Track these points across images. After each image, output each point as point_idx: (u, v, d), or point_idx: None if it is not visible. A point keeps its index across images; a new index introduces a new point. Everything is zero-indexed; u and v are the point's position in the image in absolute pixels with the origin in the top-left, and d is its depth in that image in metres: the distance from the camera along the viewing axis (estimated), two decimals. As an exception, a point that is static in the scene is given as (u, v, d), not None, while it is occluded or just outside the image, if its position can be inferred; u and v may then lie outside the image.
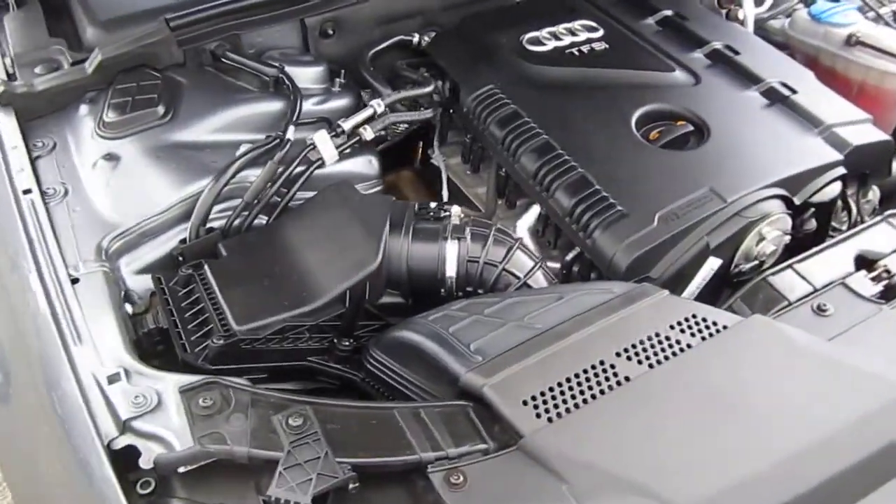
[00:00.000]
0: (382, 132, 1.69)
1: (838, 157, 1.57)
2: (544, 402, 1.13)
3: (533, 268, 1.37)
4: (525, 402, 1.12)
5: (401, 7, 1.91)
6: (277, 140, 1.52)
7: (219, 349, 1.22)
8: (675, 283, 1.43)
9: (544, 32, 1.81)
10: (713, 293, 1.49)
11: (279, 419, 1.09)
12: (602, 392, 1.15)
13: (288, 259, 1.37)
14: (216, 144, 1.55)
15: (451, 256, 1.36)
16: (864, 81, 2.02)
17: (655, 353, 1.20)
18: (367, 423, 1.12)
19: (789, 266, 1.41)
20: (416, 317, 1.29)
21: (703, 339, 1.22)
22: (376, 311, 1.35)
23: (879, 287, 1.39)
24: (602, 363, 1.18)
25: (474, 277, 1.37)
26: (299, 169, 1.51)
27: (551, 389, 1.14)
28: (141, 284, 1.38)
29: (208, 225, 1.44)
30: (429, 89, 1.72)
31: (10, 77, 1.65)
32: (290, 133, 1.50)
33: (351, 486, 1.01)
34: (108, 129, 1.54)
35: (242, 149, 1.51)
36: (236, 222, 1.46)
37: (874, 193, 1.81)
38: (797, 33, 2.10)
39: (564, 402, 1.13)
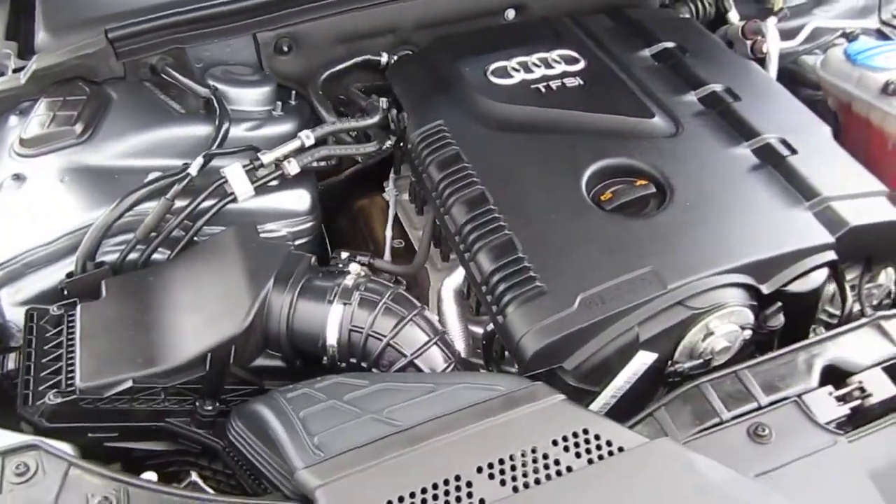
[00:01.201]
0: (322, 163, 1.55)
1: (828, 239, 1.31)
2: (378, 520, 0.97)
3: (423, 346, 1.20)
4: (354, 516, 0.97)
5: (366, 24, 1.75)
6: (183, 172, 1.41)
7: (54, 408, 1.12)
8: (597, 376, 1.23)
9: (514, 62, 1.61)
10: (651, 390, 1.28)
11: (88, 496, 0.99)
12: (451, 513, 0.98)
13: (162, 307, 1.26)
14: (130, 170, 1.45)
15: (333, 322, 1.21)
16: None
17: (525, 475, 1.01)
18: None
19: (734, 372, 1.18)
20: (279, 389, 1.16)
21: (590, 461, 1.03)
22: (246, 375, 1.22)
23: (845, 409, 1.14)
24: (458, 479, 1.00)
25: (357, 348, 1.22)
26: (209, 203, 1.40)
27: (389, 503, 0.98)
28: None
29: (104, 258, 1.35)
30: (373, 120, 1.56)
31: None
32: (195, 166, 1.38)
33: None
34: (24, 145, 1.47)
35: (150, 177, 1.41)
36: (132, 257, 1.37)
37: (889, 277, 1.53)
38: (829, 75, 1.80)
39: (403, 520, 0.97)
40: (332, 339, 1.22)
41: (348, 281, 1.25)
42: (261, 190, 1.47)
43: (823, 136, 1.52)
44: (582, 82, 1.57)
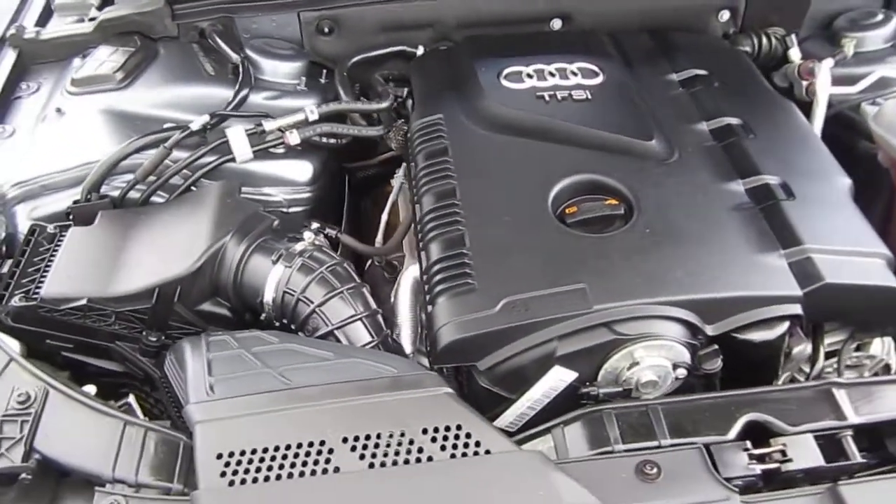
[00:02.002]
0: (329, 140, 1.63)
1: (795, 291, 1.22)
2: (238, 463, 1.03)
3: (346, 319, 1.25)
4: (220, 456, 1.03)
5: (409, 15, 1.81)
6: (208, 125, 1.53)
7: (17, 309, 1.26)
8: (513, 383, 1.22)
9: (531, 69, 1.61)
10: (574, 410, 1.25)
11: (14, 387, 1.13)
12: (302, 474, 1.02)
13: (138, 242, 1.38)
14: (155, 119, 1.59)
15: (272, 281, 1.29)
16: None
17: (386, 454, 1.03)
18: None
19: (646, 405, 1.14)
20: (208, 332, 1.24)
21: (452, 456, 1.03)
22: (191, 316, 1.32)
23: (757, 469, 1.08)
24: (323, 444, 1.04)
25: (288, 310, 1.28)
26: (209, 159, 1.52)
27: (254, 452, 1.04)
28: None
29: (112, 193, 1.50)
30: (380, 105, 1.62)
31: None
32: (198, 121, 1.50)
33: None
34: (74, 84, 1.65)
35: (164, 127, 1.54)
36: (134, 196, 1.50)
37: (882, 348, 1.40)
38: (880, 127, 1.65)
39: (258, 470, 1.02)
40: (268, 296, 1.29)
41: (298, 246, 1.32)
42: (266, 156, 1.57)
43: (838, 187, 1.41)
44: (590, 97, 1.55)
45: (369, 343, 1.25)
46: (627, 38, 1.76)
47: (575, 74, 1.61)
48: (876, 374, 1.46)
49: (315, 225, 1.47)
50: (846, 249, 1.28)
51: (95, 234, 1.41)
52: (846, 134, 1.78)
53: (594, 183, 1.38)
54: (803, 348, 1.34)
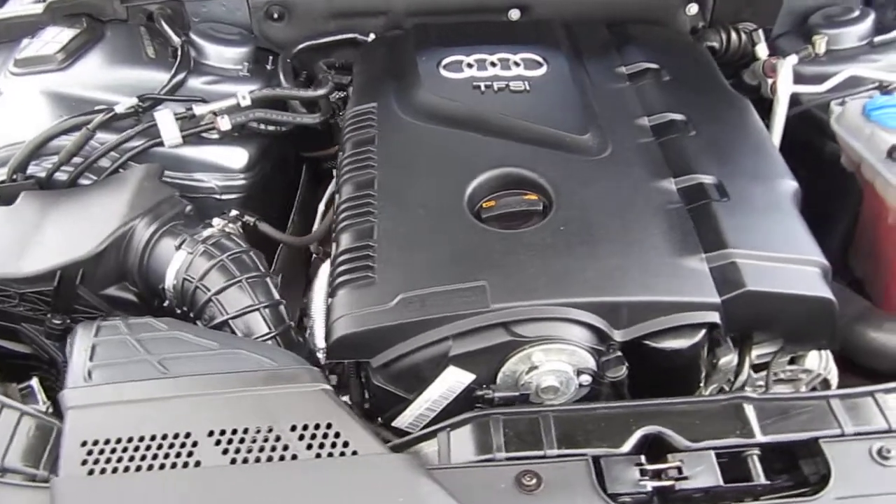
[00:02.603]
0: (269, 127, 1.60)
1: (713, 298, 1.15)
2: (101, 452, 1.00)
3: (245, 308, 1.21)
4: (84, 443, 1.01)
5: (361, 3, 1.77)
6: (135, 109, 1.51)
7: (-81, 286, 1.26)
8: (408, 382, 1.17)
9: (472, 59, 1.56)
10: (476, 411, 1.20)
11: None
12: (162, 467, 0.99)
13: (53, 223, 1.36)
14: (92, 102, 1.57)
15: (173, 267, 1.26)
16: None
17: (250, 450, 0.99)
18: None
19: (538, 412, 1.08)
20: (102, 317, 1.22)
21: (318, 455, 0.99)
22: (94, 300, 1.30)
23: (648, 486, 1.01)
24: (188, 436, 1.01)
25: (187, 297, 1.25)
26: (139, 142, 1.49)
27: (118, 441, 1.01)
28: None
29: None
30: (315, 93, 1.59)
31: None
32: (122, 104, 1.48)
33: None
34: (17, 65, 1.64)
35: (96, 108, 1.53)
36: (62, 178, 1.49)
37: (818, 361, 1.32)
38: (842, 129, 1.56)
39: (120, 460, 0.99)
40: (169, 282, 1.26)
41: (205, 232, 1.29)
42: (200, 141, 1.55)
43: (779, 190, 1.33)
44: (529, 88, 1.49)
45: (266, 334, 1.22)
46: (582, 30, 1.69)
47: (518, 65, 1.55)
48: (814, 390, 1.37)
49: (234, 212, 1.44)
50: (777, 256, 1.21)
51: (14, 214, 1.40)
52: (814, 135, 1.69)
53: (516, 177, 1.32)
54: (730, 359, 1.27)
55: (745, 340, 1.27)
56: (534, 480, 1.00)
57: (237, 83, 1.66)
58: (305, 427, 1.01)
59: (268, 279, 1.26)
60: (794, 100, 1.70)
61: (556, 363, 1.14)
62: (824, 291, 1.18)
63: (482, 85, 1.50)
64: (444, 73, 1.54)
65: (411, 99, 1.49)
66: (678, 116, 1.44)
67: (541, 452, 1.03)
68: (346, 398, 1.26)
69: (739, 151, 1.40)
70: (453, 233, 1.24)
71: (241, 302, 1.22)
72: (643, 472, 1.02)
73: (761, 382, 1.33)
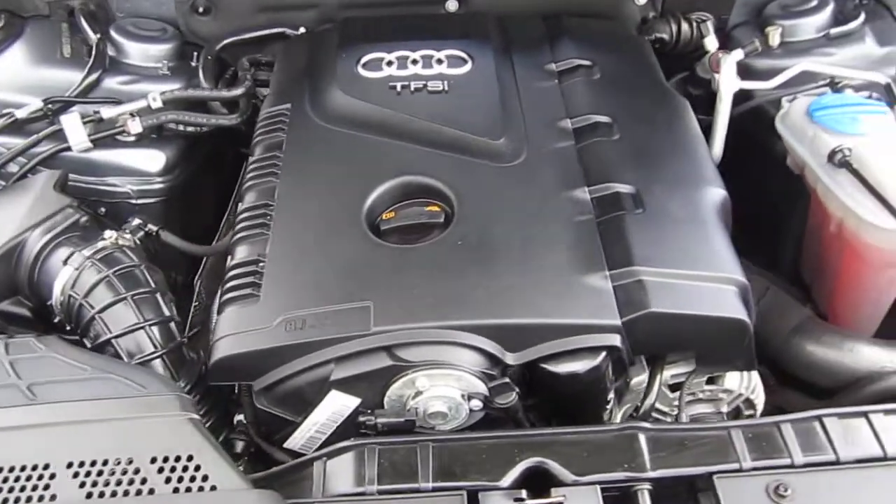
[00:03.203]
0: (188, 128, 1.54)
1: (613, 321, 1.08)
2: (-46, 485, 0.96)
3: (131, 327, 1.16)
4: (-62, 475, 0.97)
5: (289, -5, 1.70)
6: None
7: None
8: (294, 405, 1.12)
9: (393, 56, 1.48)
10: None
11: None
12: (17, 501, 0.95)
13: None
14: (4, 103, 1.53)
15: (59, 282, 1.21)
16: (842, 221, 1.36)
17: (107, 483, 0.94)
18: None
19: (416, 441, 1.02)
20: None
21: (175, 490, 0.94)
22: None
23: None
24: (46, 468, 0.96)
25: (72, 314, 1.20)
26: (47, 147, 1.45)
27: (-27, 476, 0.97)
28: None
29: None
30: (230, 93, 1.53)
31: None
32: (26, 109, 1.44)
33: None
34: (-73, 65, 1.60)
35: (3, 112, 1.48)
36: (-35, 184, 1.45)
37: (740, 381, 1.25)
38: (786, 129, 1.47)
39: (-26, 493, 0.96)
40: (56, 298, 1.22)
41: (97, 245, 1.24)
42: (114, 144, 1.50)
43: (704, 201, 1.25)
44: (447, 88, 1.42)
45: (151, 353, 1.17)
46: (517, 23, 1.61)
47: (440, 62, 1.47)
48: (737, 410, 1.31)
49: (135, 221, 1.39)
50: (688, 273, 1.13)
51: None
52: (765, 132, 1.59)
53: (419, 186, 1.26)
54: (643, 379, 1.21)
55: (657, 361, 1.20)
56: (395, 515, 0.95)
57: (155, 82, 1.60)
58: (166, 459, 0.96)
59: (158, 295, 1.21)
60: (747, 95, 1.61)
61: (443, 388, 1.08)
62: (737, 312, 1.11)
63: (399, 85, 1.42)
64: (362, 72, 1.47)
65: (324, 101, 1.42)
66: (603, 118, 1.36)
67: (415, 485, 0.98)
68: (241, 417, 1.22)
69: (665, 157, 1.32)
70: (346, 248, 1.18)
71: (127, 320, 1.17)
72: (523, 506, 0.97)
73: (676, 402, 1.27)
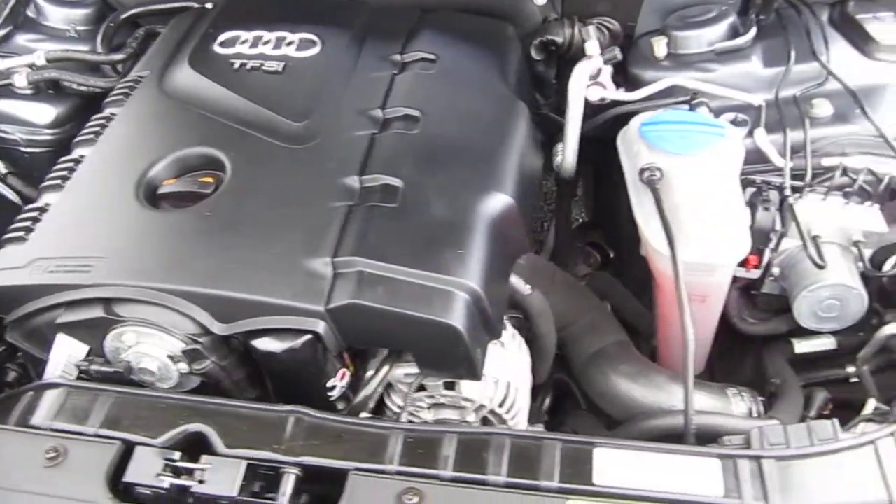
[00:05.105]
0: (81, 87, 1.67)
1: (316, 307, 1.09)
2: None
3: None
4: None
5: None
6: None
7: None
8: (38, 343, 1.21)
9: (251, 35, 1.53)
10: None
11: None
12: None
13: None
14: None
15: None
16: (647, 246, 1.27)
17: None
18: None
19: (98, 392, 1.08)
20: None
21: None
22: None
23: (167, 482, 1.00)
24: None
25: None
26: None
27: None
28: None
29: None
30: (109, 57, 1.65)
31: None
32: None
33: None
34: None
35: None
36: None
37: (482, 393, 1.21)
38: (622, 144, 1.39)
39: None
40: None
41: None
42: (9, 94, 1.64)
43: (478, 206, 1.21)
44: (281, 70, 1.45)
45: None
46: (391, 13, 1.61)
47: (290, 45, 1.51)
48: (485, 420, 1.26)
49: (-11, 165, 1.53)
50: (414, 272, 1.12)
51: None
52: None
53: (207, 158, 1.31)
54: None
55: (389, 356, 1.20)
56: (57, 456, 1.02)
57: (62, 43, 1.74)
58: None
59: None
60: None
61: (148, 346, 1.13)
62: (451, 318, 1.08)
63: (238, 63, 1.48)
64: (216, 49, 1.53)
65: (171, 72, 1.50)
66: (413, 112, 1.35)
67: (81, 429, 1.05)
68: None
69: (455, 157, 1.29)
70: (111, 208, 1.25)
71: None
72: (168, 468, 1.01)
73: (421, 403, 1.26)
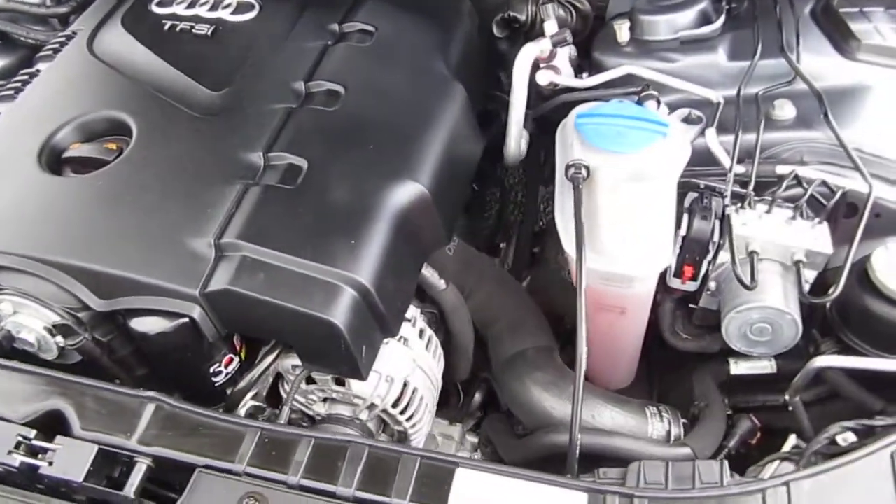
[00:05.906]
0: (28, 39, 1.63)
1: (191, 290, 1.03)
2: None
3: None
4: None
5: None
6: None
7: None
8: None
9: (190, -5, 1.47)
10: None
11: None
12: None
13: None
14: None
15: None
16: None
17: None
18: None
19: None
20: None
21: None
22: None
23: (18, 459, 0.97)
24: None
25: None
26: None
27: None
28: None
29: None
30: (49, 10, 1.61)
31: None
32: None
33: None
34: None
35: None
36: None
37: (373, 391, 1.15)
38: (560, 137, 1.28)
39: None
40: None
41: None
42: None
43: (382, 193, 1.13)
44: (210, 35, 1.38)
45: None
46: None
47: (227, 7, 1.44)
48: (380, 420, 1.20)
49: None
50: (297, 261, 1.06)
51: None
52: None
53: (113, 122, 1.25)
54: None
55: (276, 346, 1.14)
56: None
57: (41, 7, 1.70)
58: None
59: None
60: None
61: (24, 317, 1.09)
62: (329, 313, 1.02)
63: (169, 24, 1.41)
64: (153, 8, 1.47)
65: (101, 30, 1.44)
66: (336, 87, 1.27)
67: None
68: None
69: (369, 138, 1.21)
70: (11, 170, 1.20)
71: None
72: (23, 446, 0.98)
73: (313, 396, 1.20)
